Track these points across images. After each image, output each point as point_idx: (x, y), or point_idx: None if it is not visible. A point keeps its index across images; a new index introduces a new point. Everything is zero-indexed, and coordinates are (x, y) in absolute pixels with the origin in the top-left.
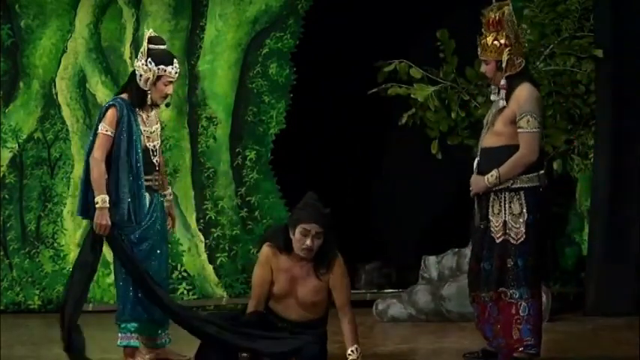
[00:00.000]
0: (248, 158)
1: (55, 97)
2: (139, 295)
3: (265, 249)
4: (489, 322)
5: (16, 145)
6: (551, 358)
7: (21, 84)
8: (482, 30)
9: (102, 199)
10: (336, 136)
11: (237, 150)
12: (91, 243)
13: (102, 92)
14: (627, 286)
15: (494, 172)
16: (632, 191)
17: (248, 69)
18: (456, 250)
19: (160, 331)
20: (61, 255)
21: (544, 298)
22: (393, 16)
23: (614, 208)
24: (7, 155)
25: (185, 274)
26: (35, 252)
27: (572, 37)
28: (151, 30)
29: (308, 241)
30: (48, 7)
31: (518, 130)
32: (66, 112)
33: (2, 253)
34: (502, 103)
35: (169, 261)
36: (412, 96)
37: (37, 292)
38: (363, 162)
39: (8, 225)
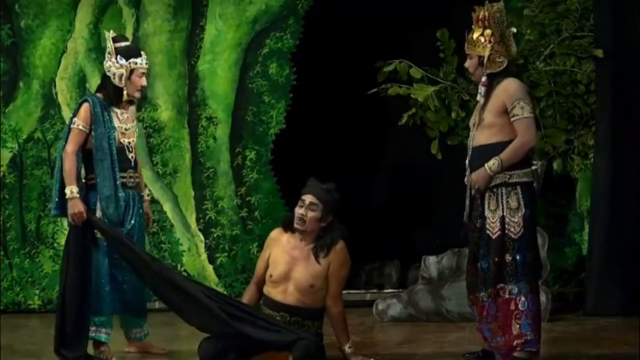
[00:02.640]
0: (248, 158)
1: (55, 97)
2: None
3: (273, 231)
4: (487, 322)
5: (16, 145)
6: (551, 358)
7: (21, 84)
8: (472, 26)
9: (70, 190)
10: (336, 136)
11: (237, 150)
12: (75, 236)
13: None
14: (627, 286)
15: (494, 160)
16: (632, 191)
17: (248, 69)
18: (456, 250)
19: (138, 324)
20: (61, 255)
21: (543, 298)
22: (393, 16)
23: (614, 208)
24: (7, 155)
25: (185, 274)
26: (35, 252)
27: (572, 37)
28: (111, 31)
29: (302, 210)
30: (48, 7)
31: (513, 118)
32: (66, 112)
33: (2, 253)
34: (482, 99)
35: (169, 261)
36: (412, 96)
37: (37, 292)
38: (363, 162)
39: (8, 225)
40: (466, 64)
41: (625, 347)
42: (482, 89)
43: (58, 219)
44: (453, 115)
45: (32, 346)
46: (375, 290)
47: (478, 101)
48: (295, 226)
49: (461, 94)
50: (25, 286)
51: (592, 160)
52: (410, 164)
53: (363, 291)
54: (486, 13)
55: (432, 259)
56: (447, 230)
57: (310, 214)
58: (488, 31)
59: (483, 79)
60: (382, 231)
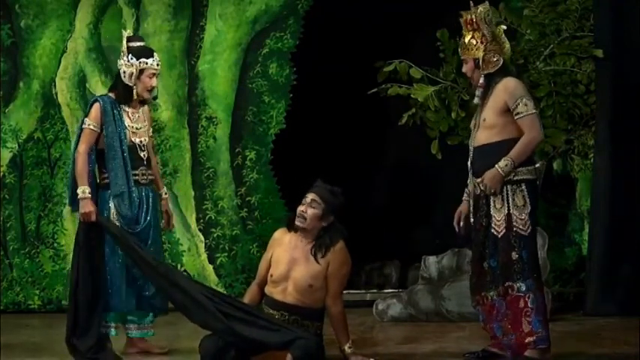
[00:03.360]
0: (248, 158)
1: (55, 97)
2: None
3: (276, 231)
4: (497, 320)
5: (16, 145)
6: (551, 358)
7: (21, 84)
8: (462, 31)
9: (82, 190)
10: (336, 136)
11: (237, 150)
12: (84, 232)
13: (102, 92)
14: (627, 286)
15: (506, 161)
16: (632, 191)
17: (248, 69)
18: (456, 250)
19: (145, 321)
20: (61, 255)
21: None
22: (393, 16)
23: (614, 208)
24: (7, 155)
25: (185, 274)
26: (35, 252)
27: (572, 37)
28: (128, 30)
29: (302, 207)
30: (48, 7)
31: (517, 116)
32: (66, 112)
33: (2, 253)
34: (477, 101)
35: (170, 261)
36: (412, 96)
37: (37, 292)
38: (362, 162)
39: (8, 225)
40: (463, 70)
41: (625, 347)
42: (479, 91)
43: (58, 219)
44: (453, 115)
45: (32, 346)
46: (375, 290)
47: (476, 104)
48: (296, 223)
49: (461, 94)
50: (25, 286)
51: (592, 160)
52: (410, 164)
53: (363, 291)
54: (473, 16)
55: (432, 259)
56: (447, 230)
57: (310, 211)
58: (478, 33)
59: (481, 80)
60: (382, 231)
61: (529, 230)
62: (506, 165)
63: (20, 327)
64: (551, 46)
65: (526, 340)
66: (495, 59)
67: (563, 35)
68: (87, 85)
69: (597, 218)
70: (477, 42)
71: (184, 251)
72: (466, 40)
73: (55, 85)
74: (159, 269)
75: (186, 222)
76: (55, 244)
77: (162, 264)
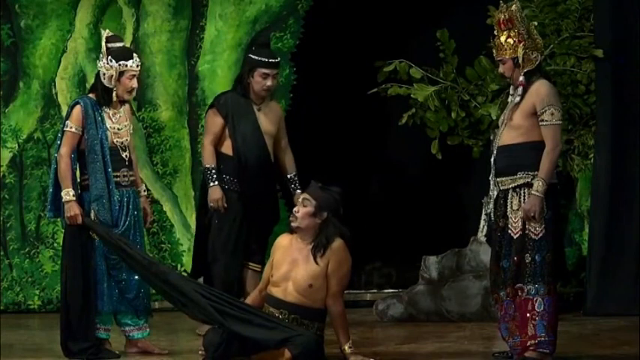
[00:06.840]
0: None
1: (55, 97)
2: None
3: (280, 236)
4: (504, 321)
5: (16, 145)
6: (551, 358)
7: (21, 84)
8: (495, 32)
9: (66, 192)
10: (336, 136)
11: None
12: (71, 236)
13: None
14: (627, 286)
15: (539, 182)
16: (632, 191)
17: None
18: (456, 250)
19: (137, 322)
20: (61, 255)
21: None
22: (393, 16)
23: (614, 208)
24: (7, 155)
25: (185, 274)
26: (35, 252)
27: (572, 37)
28: (107, 30)
29: (295, 208)
30: (48, 7)
31: (542, 123)
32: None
33: (2, 253)
34: (517, 98)
35: (169, 261)
36: (412, 96)
37: (37, 292)
38: (362, 162)
39: (8, 225)
40: (500, 70)
41: (625, 347)
42: (519, 89)
43: (59, 219)
44: (453, 115)
45: (32, 346)
46: (375, 290)
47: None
48: (290, 222)
49: (461, 94)
50: (25, 286)
51: (592, 160)
52: (410, 164)
53: (363, 291)
54: (507, 15)
55: (432, 259)
56: (447, 230)
57: (302, 209)
58: (514, 32)
59: (521, 79)
60: (382, 231)
61: (541, 234)
62: (539, 187)
63: (20, 327)
64: (551, 46)
65: (528, 343)
66: (534, 56)
67: (563, 35)
68: (87, 85)
69: (597, 218)
70: (515, 41)
71: (184, 251)
72: (502, 40)
73: (55, 85)
74: (151, 268)
75: (186, 222)
76: (55, 244)
77: (154, 263)
